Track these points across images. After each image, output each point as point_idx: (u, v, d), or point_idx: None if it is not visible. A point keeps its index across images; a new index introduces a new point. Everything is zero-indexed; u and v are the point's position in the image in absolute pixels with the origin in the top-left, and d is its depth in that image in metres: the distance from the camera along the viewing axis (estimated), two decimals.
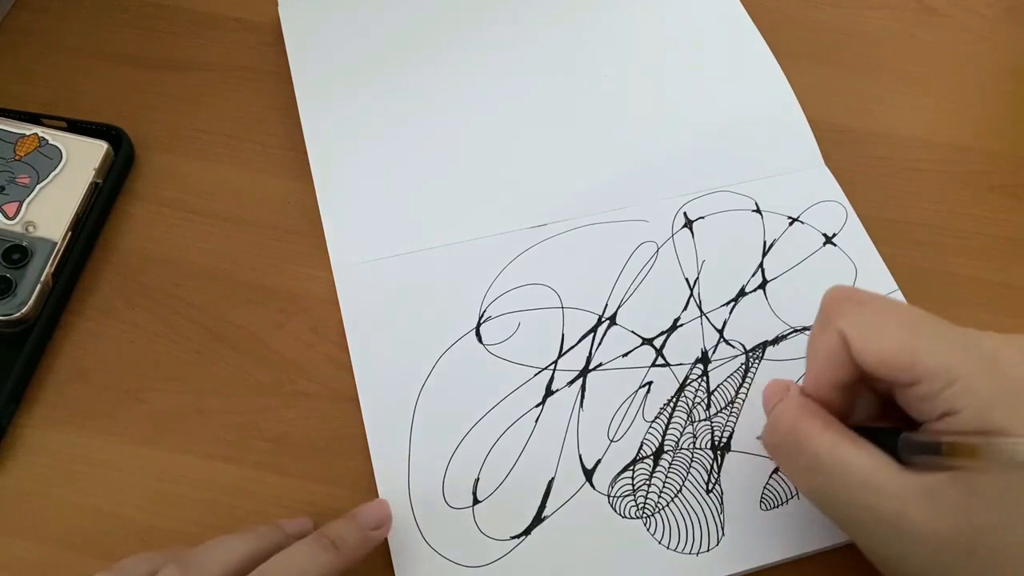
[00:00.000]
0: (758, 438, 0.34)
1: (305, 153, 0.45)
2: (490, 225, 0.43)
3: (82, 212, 0.42)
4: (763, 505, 0.36)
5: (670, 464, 0.37)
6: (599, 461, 0.37)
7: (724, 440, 0.38)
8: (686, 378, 0.39)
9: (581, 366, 0.39)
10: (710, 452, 0.37)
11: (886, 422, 0.32)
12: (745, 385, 0.39)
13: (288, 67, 0.48)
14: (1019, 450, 0.26)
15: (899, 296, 0.41)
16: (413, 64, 0.49)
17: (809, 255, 0.43)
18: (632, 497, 0.36)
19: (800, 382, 0.33)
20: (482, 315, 0.41)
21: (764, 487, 0.36)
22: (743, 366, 0.40)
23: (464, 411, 0.38)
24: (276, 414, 0.38)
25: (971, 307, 0.42)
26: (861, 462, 0.29)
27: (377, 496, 0.36)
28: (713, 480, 0.37)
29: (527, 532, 0.36)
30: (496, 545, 0.35)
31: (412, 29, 0.50)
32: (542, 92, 0.48)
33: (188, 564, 0.30)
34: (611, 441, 0.38)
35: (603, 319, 0.41)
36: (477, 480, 0.37)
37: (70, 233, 0.41)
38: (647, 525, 0.36)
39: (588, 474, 0.37)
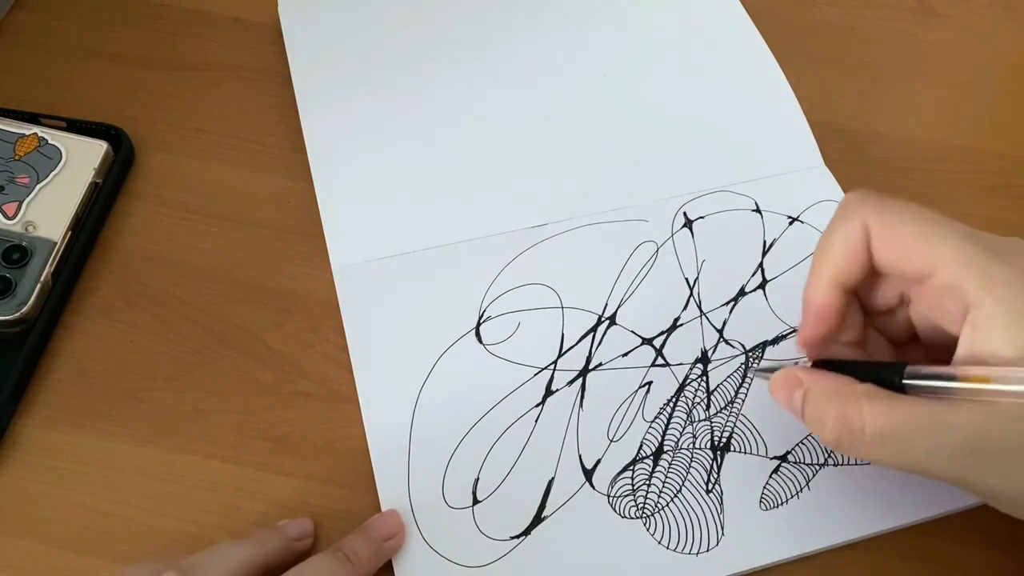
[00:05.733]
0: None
1: (305, 153, 0.45)
2: (490, 225, 0.43)
3: (82, 212, 0.42)
4: (763, 505, 0.36)
5: (670, 464, 0.37)
6: (599, 461, 0.37)
7: (724, 440, 0.38)
8: (686, 378, 0.39)
9: (581, 366, 0.39)
10: (710, 452, 0.37)
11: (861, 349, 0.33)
12: (745, 385, 0.39)
13: (288, 67, 0.48)
14: None
15: None
16: (413, 64, 0.49)
17: (809, 255, 0.42)
18: (632, 497, 0.36)
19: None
20: (482, 315, 0.41)
21: (764, 487, 0.36)
22: (743, 366, 0.40)
23: (464, 411, 0.38)
24: (276, 414, 0.38)
25: None
26: (916, 410, 0.29)
27: (377, 496, 0.36)
28: (713, 480, 0.37)
29: (527, 532, 0.36)
30: (496, 545, 0.35)
31: (412, 29, 0.50)
32: (542, 92, 0.48)
33: (190, 571, 0.30)
34: (611, 441, 0.38)
35: (603, 319, 0.41)
36: (477, 480, 0.37)
37: (70, 233, 0.41)
38: (647, 525, 0.36)
39: (588, 474, 0.37)
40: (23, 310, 0.39)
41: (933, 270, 0.30)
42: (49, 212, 0.41)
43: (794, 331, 0.40)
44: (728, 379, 0.39)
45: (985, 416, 0.28)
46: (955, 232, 0.30)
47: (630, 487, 0.37)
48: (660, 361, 0.40)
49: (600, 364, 0.39)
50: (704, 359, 0.40)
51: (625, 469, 0.37)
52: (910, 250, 0.30)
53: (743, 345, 0.40)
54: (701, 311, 0.41)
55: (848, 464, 0.37)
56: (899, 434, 0.29)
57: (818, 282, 0.32)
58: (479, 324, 0.40)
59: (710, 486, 0.37)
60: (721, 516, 0.36)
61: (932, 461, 0.29)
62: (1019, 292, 0.28)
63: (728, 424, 0.38)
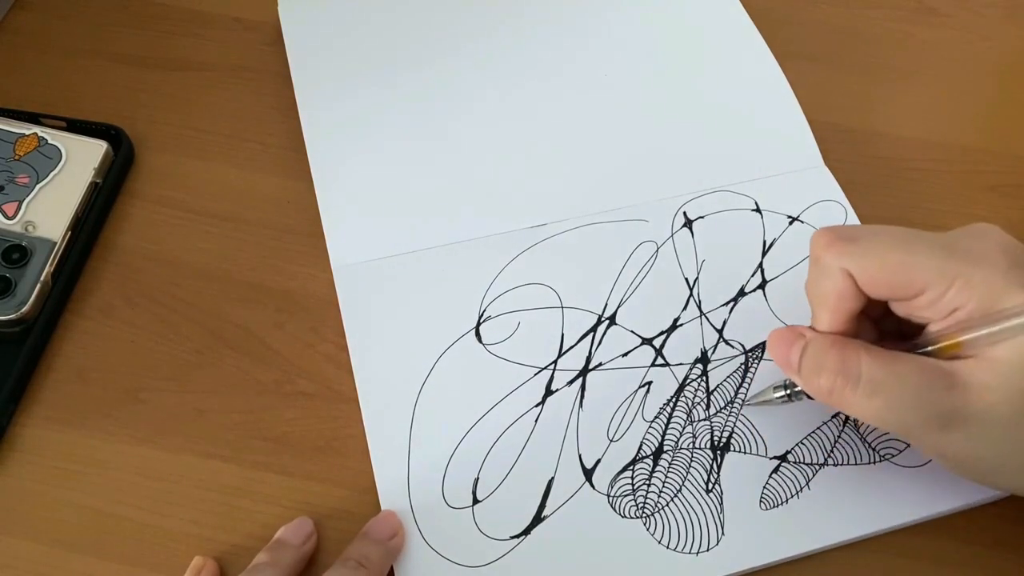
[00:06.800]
0: (782, 396, 0.36)
1: (305, 153, 0.45)
2: (489, 225, 0.43)
3: (82, 212, 0.42)
4: (763, 505, 0.36)
5: (670, 464, 0.37)
6: (599, 461, 0.37)
7: (724, 440, 0.38)
8: (686, 378, 0.39)
9: (581, 366, 0.39)
10: (710, 452, 0.37)
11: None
12: (745, 385, 0.39)
13: (288, 67, 0.48)
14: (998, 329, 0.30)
15: None
16: (413, 64, 0.49)
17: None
18: (632, 497, 0.36)
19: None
20: (482, 315, 0.41)
21: (764, 487, 0.36)
22: (743, 366, 0.40)
23: (464, 411, 0.38)
24: (276, 414, 0.38)
25: None
26: (915, 363, 0.31)
27: (377, 496, 0.36)
28: (713, 480, 0.37)
29: (527, 532, 0.36)
30: (496, 545, 0.35)
31: (412, 29, 0.50)
32: (542, 92, 0.48)
33: None
34: (611, 441, 0.38)
35: (603, 319, 0.41)
36: (477, 480, 0.37)
37: (70, 233, 0.41)
38: (647, 525, 0.36)
39: (588, 474, 0.37)
40: (23, 310, 0.39)
41: (923, 290, 0.32)
42: (49, 212, 0.41)
43: None
44: (728, 379, 0.39)
45: (973, 385, 0.30)
46: (931, 247, 0.32)
47: (630, 487, 0.37)
48: (660, 361, 0.40)
49: (600, 364, 0.39)
50: (704, 359, 0.40)
51: (625, 469, 0.37)
52: (897, 283, 0.32)
53: (743, 345, 0.40)
54: (701, 311, 0.41)
55: (848, 464, 0.37)
56: (891, 385, 0.31)
57: (826, 325, 0.34)
58: (479, 324, 0.40)
59: (710, 486, 0.37)
60: (721, 516, 0.36)
61: (913, 421, 0.31)
62: (992, 292, 0.31)
63: (728, 424, 0.38)
